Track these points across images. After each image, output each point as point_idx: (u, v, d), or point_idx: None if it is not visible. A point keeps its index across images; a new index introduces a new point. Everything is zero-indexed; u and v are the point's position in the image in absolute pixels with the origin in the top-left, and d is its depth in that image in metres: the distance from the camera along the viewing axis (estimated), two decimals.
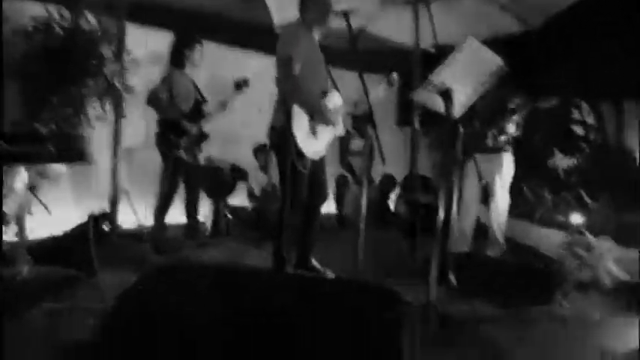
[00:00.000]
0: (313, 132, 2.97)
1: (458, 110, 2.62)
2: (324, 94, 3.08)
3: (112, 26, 3.81)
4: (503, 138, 3.75)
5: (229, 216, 4.59)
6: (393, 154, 3.68)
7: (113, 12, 3.92)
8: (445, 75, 2.44)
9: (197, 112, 3.83)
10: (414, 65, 4.75)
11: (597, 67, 5.38)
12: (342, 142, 5.35)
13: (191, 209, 3.95)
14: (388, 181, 5.55)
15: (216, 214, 4.42)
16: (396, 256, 3.97)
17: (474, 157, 3.79)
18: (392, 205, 5.59)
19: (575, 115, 5.11)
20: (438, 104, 2.56)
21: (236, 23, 4.96)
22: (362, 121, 3.97)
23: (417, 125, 4.65)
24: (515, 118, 3.74)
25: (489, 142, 3.75)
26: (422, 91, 2.57)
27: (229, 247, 4.06)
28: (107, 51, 3.70)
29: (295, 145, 2.82)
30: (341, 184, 5.42)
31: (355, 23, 4.27)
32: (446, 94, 2.44)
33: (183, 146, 3.70)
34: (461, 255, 3.42)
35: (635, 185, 4.08)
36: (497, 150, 3.77)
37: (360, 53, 2.95)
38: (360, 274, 2.61)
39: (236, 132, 4.96)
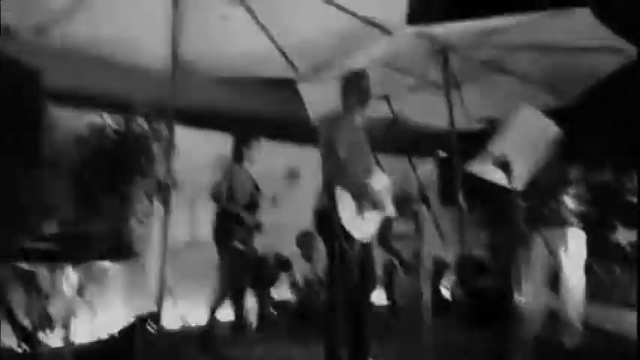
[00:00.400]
0: (360, 214, 2.89)
1: (518, 182, 2.51)
2: (369, 174, 3.04)
3: (162, 128, 4.01)
4: (564, 211, 3.54)
5: (273, 311, 4.41)
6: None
7: (162, 115, 4.15)
8: (503, 145, 2.37)
9: (253, 204, 3.95)
10: (453, 145, 4.76)
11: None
12: (384, 226, 5.23)
13: (238, 301, 3.83)
14: (439, 265, 5.27)
15: (262, 306, 4.30)
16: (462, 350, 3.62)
17: (541, 231, 3.57)
18: (444, 291, 5.25)
19: (629, 184, 4.90)
20: (497, 176, 2.46)
21: (284, 120, 5.20)
22: (406, 202, 3.94)
23: (462, 203, 4.52)
24: (573, 191, 3.56)
25: (550, 215, 3.55)
26: (480, 163, 2.49)
27: (277, 344, 3.84)
28: (157, 150, 3.86)
29: (341, 226, 2.75)
30: (389, 270, 5.18)
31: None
32: (505, 166, 2.36)
33: (240, 237, 3.74)
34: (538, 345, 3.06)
35: None
36: (562, 224, 3.54)
37: (400, 137, 2.99)
38: None
39: (280, 221, 4.94)
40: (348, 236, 2.78)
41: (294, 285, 4.63)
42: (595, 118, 5.16)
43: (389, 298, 5.16)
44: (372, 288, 3.15)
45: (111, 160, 3.63)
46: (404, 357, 3.31)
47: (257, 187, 4.04)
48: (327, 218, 2.79)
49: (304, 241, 4.74)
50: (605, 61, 3.91)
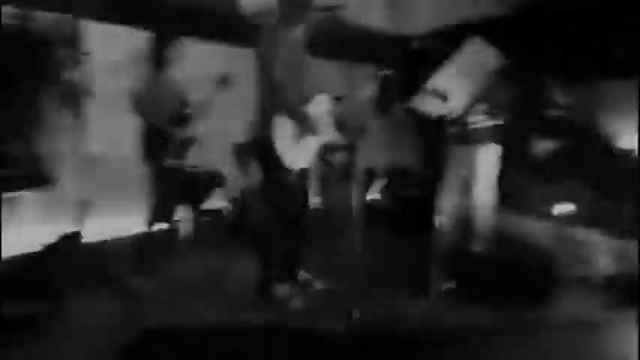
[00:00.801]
0: (298, 141, 2.80)
1: (456, 110, 2.53)
2: (309, 98, 2.89)
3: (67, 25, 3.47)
4: (480, 128, 3.65)
5: (206, 221, 4.38)
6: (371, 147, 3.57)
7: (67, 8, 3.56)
8: (441, 79, 2.35)
9: (181, 116, 3.53)
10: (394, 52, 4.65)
11: (572, 49, 5.40)
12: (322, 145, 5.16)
13: (170, 215, 3.73)
14: (372, 175, 5.39)
15: (195, 218, 4.22)
16: (391, 256, 3.86)
17: (459, 147, 3.69)
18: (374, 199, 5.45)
19: (550, 97, 5.09)
20: (436, 107, 2.46)
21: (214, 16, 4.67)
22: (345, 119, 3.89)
23: (398, 113, 4.53)
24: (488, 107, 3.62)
25: (467, 133, 3.65)
26: (420, 98, 2.47)
27: (210, 256, 3.89)
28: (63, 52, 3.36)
29: (278, 155, 2.66)
30: (324, 180, 5.22)
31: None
32: (442, 96, 2.35)
33: (169, 153, 3.41)
34: (452, 254, 3.34)
35: (616, 172, 4.09)
36: (476, 141, 3.68)
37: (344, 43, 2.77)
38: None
39: (213, 132, 4.69)
40: (284, 164, 2.72)
41: (228, 198, 4.60)
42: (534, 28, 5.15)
43: (323, 206, 5.30)
44: (306, 211, 3.15)
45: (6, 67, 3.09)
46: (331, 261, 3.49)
47: (183, 97, 3.62)
48: (263, 145, 2.68)
49: (240, 154, 4.61)
50: None
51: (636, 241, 3.11)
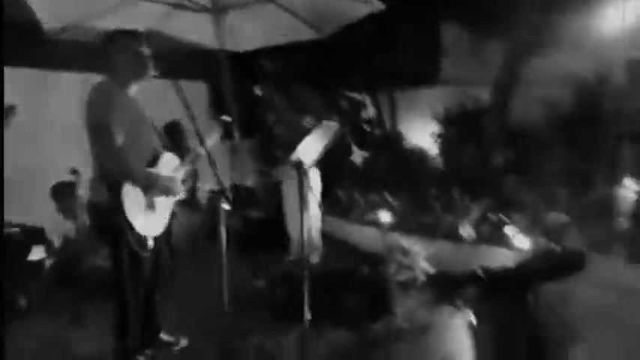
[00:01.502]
0: (150, 206, 2.60)
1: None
2: (155, 157, 2.70)
3: None
4: None
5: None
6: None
7: None
8: (299, 152, 2.56)
9: None
10: (223, 69, 4.67)
11: (374, 64, 6.25)
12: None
13: None
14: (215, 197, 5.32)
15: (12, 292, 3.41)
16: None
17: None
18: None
19: (363, 113, 5.84)
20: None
21: None
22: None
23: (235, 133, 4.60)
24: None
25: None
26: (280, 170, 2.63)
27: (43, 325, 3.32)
28: None
29: (131, 226, 2.44)
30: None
31: (144, 24, 3.97)
32: (298, 165, 2.56)
33: None
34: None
35: (419, 180, 4.97)
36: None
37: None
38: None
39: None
40: (138, 235, 2.49)
41: (51, 250, 3.98)
42: (343, 52, 5.78)
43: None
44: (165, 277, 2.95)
45: None
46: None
47: None
48: (108, 216, 2.42)
49: (62, 193, 4.07)
50: (357, 8, 4.32)
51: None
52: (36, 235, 3.82)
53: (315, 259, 4.18)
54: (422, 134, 6.27)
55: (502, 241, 3.90)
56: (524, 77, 5.33)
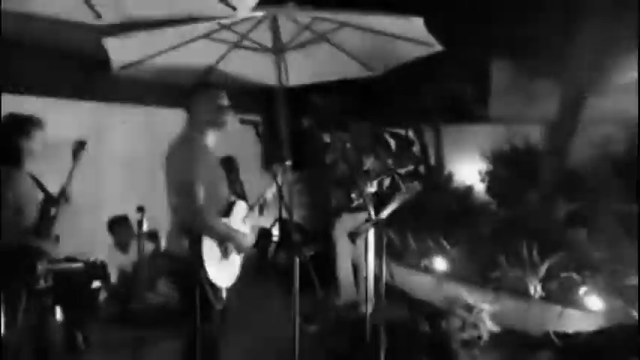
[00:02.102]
0: (225, 256, 2.59)
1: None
2: (229, 208, 2.70)
3: None
4: (363, 198, 4.03)
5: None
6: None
7: None
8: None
9: (47, 218, 2.84)
10: (280, 106, 4.73)
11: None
12: None
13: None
14: (265, 236, 5.31)
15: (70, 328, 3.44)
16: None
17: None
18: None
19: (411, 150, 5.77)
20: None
21: None
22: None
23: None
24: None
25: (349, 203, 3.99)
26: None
27: None
28: None
29: (208, 278, 2.42)
30: None
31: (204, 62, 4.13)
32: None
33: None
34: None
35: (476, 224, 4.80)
36: (359, 210, 4.06)
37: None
38: None
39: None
40: (214, 287, 2.49)
41: (108, 286, 3.99)
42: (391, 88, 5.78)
43: None
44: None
45: None
46: None
47: (46, 191, 2.96)
48: (187, 268, 2.41)
49: (119, 228, 4.13)
50: (415, 49, 4.31)
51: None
52: (98, 271, 3.82)
53: (367, 307, 4.03)
54: (469, 172, 6.14)
55: (574, 301, 3.63)
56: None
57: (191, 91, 2.71)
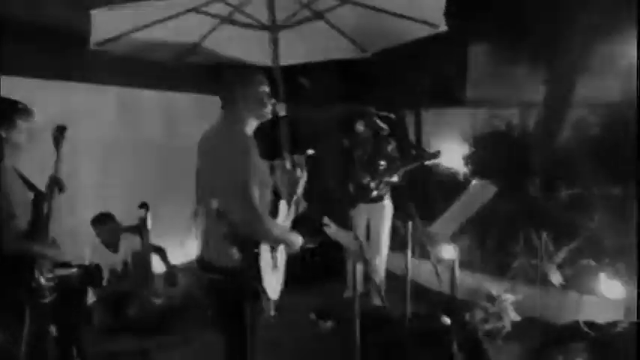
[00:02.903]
0: (276, 264, 2.30)
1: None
2: (275, 207, 2.39)
3: None
4: (383, 188, 3.90)
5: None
6: None
7: None
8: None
9: (41, 218, 2.45)
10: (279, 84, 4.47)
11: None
12: None
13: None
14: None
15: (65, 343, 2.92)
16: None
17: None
18: None
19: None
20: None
21: None
22: None
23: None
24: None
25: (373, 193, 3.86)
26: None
27: None
28: None
29: (264, 290, 2.15)
30: None
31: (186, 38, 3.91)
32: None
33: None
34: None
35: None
36: (380, 199, 3.93)
37: None
38: None
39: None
40: (269, 299, 2.20)
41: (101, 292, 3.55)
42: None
43: None
44: None
45: None
46: None
47: (34, 187, 2.55)
48: (243, 282, 2.12)
49: (104, 227, 3.70)
50: (416, 30, 4.15)
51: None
52: (94, 276, 3.40)
53: (377, 300, 3.93)
54: (451, 155, 6.13)
55: (595, 288, 3.59)
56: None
57: (228, 77, 2.34)
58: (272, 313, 2.25)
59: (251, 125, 2.34)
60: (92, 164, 4.25)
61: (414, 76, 6.09)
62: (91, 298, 3.49)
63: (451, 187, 5.50)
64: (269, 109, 2.35)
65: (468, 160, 5.92)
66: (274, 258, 2.29)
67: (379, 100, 6.05)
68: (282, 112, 2.45)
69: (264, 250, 2.20)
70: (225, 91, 2.30)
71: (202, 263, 2.26)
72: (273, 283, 2.24)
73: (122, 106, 4.71)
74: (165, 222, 3.91)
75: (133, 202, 4.03)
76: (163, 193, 4.49)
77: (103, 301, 3.44)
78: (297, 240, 2.36)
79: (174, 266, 4.13)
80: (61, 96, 3.83)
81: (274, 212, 2.38)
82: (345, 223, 4.08)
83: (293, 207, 2.54)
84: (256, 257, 2.11)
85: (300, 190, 2.50)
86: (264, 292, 2.16)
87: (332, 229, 2.83)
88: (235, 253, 2.09)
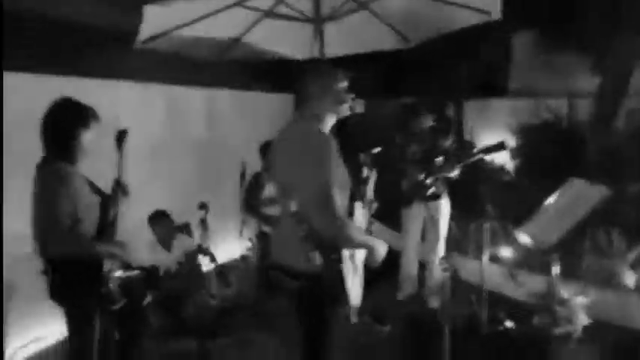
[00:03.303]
0: (356, 270, 2.18)
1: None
2: (353, 211, 2.25)
3: None
4: (439, 185, 3.74)
5: None
6: None
7: None
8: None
9: (109, 223, 2.41)
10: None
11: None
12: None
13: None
14: None
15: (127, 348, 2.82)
16: None
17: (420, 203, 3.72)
18: None
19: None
20: None
21: None
22: None
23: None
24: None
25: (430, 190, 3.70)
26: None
27: None
28: None
29: (348, 297, 2.05)
30: None
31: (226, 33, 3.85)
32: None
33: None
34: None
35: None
36: (437, 197, 3.77)
37: None
38: None
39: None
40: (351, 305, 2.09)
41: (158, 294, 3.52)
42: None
43: None
44: None
45: None
46: None
47: (100, 191, 2.49)
48: (327, 288, 2.02)
49: (159, 224, 3.68)
50: (468, 17, 3.95)
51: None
52: (154, 278, 3.39)
53: (434, 302, 3.77)
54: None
55: None
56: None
57: (303, 72, 2.23)
58: (353, 318, 2.14)
59: (330, 122, 2.22)
60: (139, 163, 4.23)
61: (456, 65, 5.85)
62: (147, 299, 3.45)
63: (497, 184, 5.29)
64: (348, 105, 2.21)
65: (515, 153, 5.63)
66: (355, 262, 2.17)
67: (422, 91, 5.88)
68: (360, 109, 2.29)
69: (346, 255, 2.09)
70: (303, 87, 2.17)
71: (279, 266, 2.16)
72: (354, 288, 2.14)
73: (167, 103, 4.67)
74: (211, 221, 3.84)
75: (178, 201, 3.99)
76: (206, 191, 4.43)
77: (159, 302, 3.40)
78: (382, 248, 2.17)
79: (224, 266, 4.09)
80: (107, 95, 3.80)
81: (351, 215, 2.25)
82: (398, 223, 3.95)
83: (367, 208, 2.41)
84: (339, 262, 2.00)
85: (370, 190, 2.36)
86: (347, 298, 2.05)
87: (376, 229, 2.69)
88: (317, 257, 1.97)
